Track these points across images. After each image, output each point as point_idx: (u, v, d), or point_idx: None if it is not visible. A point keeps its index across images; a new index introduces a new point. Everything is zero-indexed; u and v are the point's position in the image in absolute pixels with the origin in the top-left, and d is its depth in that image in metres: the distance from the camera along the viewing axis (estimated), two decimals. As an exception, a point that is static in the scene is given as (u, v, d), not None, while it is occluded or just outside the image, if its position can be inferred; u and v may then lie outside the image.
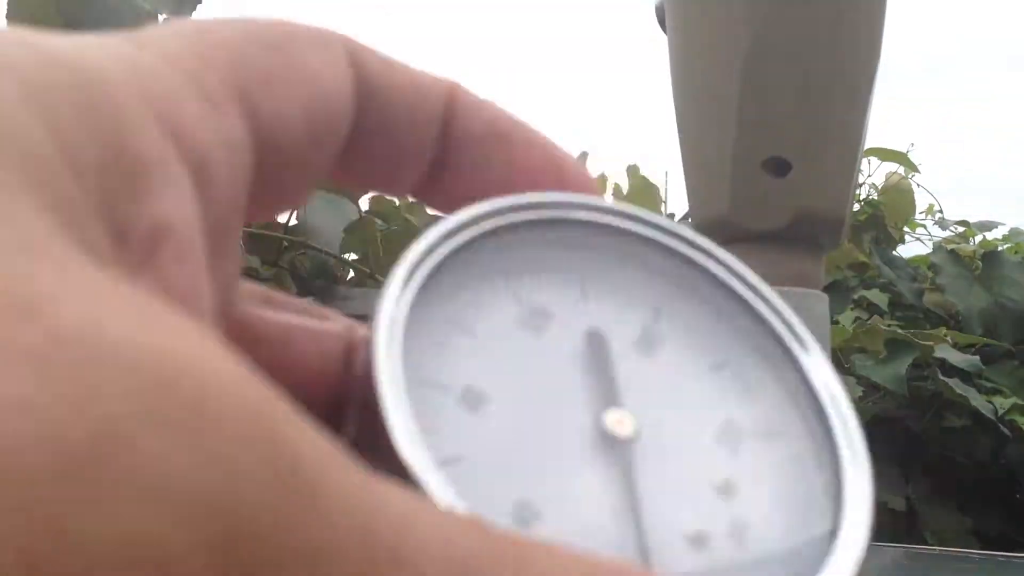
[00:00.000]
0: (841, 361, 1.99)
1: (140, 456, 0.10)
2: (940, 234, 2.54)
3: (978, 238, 2.54)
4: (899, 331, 2.01)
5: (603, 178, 2.18)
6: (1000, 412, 1.98)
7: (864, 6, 0.78)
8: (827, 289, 0.81)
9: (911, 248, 2.53)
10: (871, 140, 2.11)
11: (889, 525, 1.94)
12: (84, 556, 0.10)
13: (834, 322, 2.08)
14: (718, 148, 0.78)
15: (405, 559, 0.12)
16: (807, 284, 0.78)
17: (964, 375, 2.01)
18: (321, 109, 0.19)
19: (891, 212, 2.40)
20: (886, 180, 2.46)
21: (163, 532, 0.10)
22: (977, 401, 1.93)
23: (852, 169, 0.79)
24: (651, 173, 2.29)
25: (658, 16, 0.89)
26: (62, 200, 0.13)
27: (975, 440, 2.04)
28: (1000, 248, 2.41)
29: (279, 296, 0.21)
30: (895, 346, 1.99)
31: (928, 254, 2.40)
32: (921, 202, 2.56)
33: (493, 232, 0.19)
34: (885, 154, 2.43)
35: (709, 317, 0.20)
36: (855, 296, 2.34)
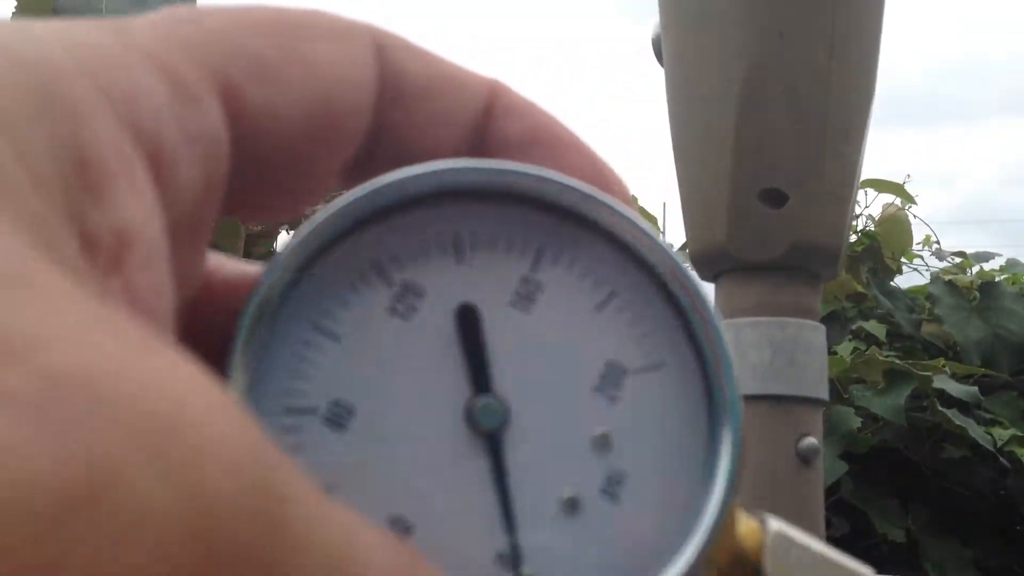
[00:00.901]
0: (840, 392, 1.99)
1: (130, 494, 0.10)
2: (937, 265, 2.54)
3: (975, 269, 2.54)
4: (897, 362, 2.01)
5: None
6: (999, 443, 1.98)
7: (858, 39, 0.78)
8: (825, 320, 0.81)
9: (908, 279, 2.53)
10: (867, 171, 2.12)
11: (889, 556, 1.93)
12: None
13: (832, 353, 2.08)
14: (715, 179, 0.79)
15: None
16: (804, 315, 0.79)
17: (963, 406, 2.01)
18: (329, 104, 0.18)
19: (888, 243, 2.41)
20: (883, 211, 2.46)
21: (150, 566, 0.10)
22: (976, 432, 1.93)
23: (848, 199, 0.80)
24: (649, 204, 2.29)
25: (655, 49, 0.90)
26: (31, 215, 0.12)
27: (975, 471, 2.04)
28: (997, 279, 2.41)
29: (230, 261, 0.20)
30: (893, 377, 1.99)
31: (925, 285, 2.40)
32: (918, 233, 2.57)
33: (369, 219, 0.19)
34: (882, 185, 2.44)
35: (594, 250, 0.20)
36: (853, 327, 2.34)
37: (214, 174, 0.17)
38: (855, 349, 2.20)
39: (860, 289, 2.36)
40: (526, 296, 0.19)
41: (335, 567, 0.12)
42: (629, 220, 0.19)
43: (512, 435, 0.18)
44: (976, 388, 2.04)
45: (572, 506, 0.18)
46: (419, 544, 0.17)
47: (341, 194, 0.18)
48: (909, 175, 2.50)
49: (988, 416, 2.07)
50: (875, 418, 2.01)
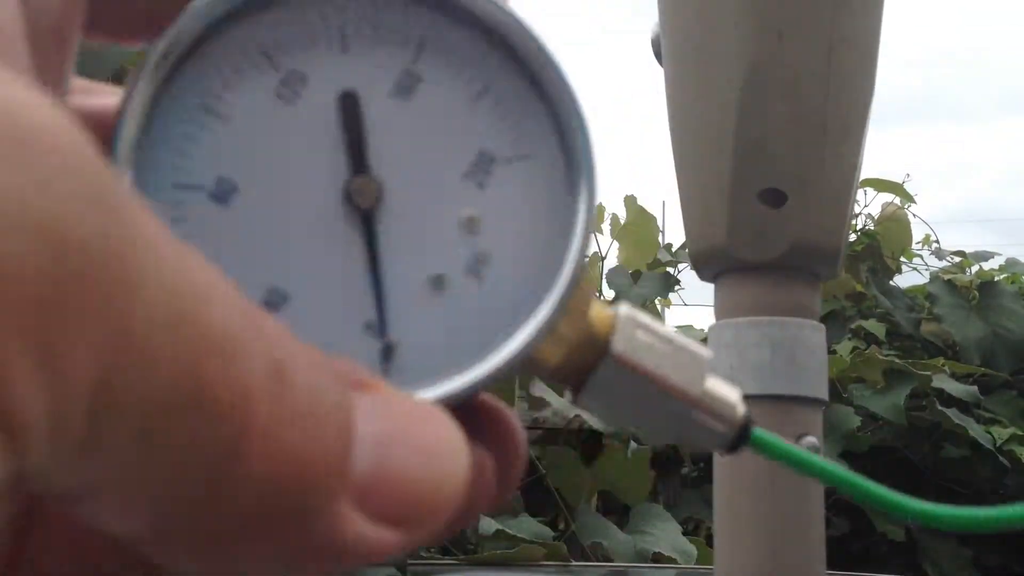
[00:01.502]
0: (839, 391, 1.99)
1: None
2: (937, 264, 2.54)
3: (974, 268, 2.54)
4: (897, 361, 2.01)
5: (600, 208, 2.19)
6: (998, 442, 1.98)
7: (857, 39, 0.78)
8: (824, 319, 0.81)
9: (908, 278, 2.53)
10: (867, 171, 2.13)
11: (889, 555, 1.93)
12: None
13: (831, 352, 2.08)
14: (714, 179, 0.79)
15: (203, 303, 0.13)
16: (804, 314, 0.79)
17: (962, 405, 2.01)
18: None
19: (887, 242, 2.41)
20: (882, 210, 2.46)
21: None
22: (975, 431, 1.93)
23: (847, 199, 0.80)
24: (648, 203, 2.30)
25: (654, 48, 0.90)
26: None
27: (974, 470, 2.04)
28: (997, 278, 2.41)
29: (97, 85, 0.21)
30: (893, 376, 1.99)
31: (925, 284, 2.40)
32: (917, 233, 2.57)
33: (257, 5, 0.19)
34: (881, 185, 2.44)
35: (474, 44, 0.20)
36: (852, 326, 2.34)
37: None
38: (855, 348, 2.20)
39: (860, 288, 2.36)
40: (406, 86, 0.20)
41: (174, 299, 0.12)
42: (507, 14, 0.20)
43: (386, 214, 0.19)
44: (975, 387, 2.04)
45: (438, 282, 0.20)
46: (293, 313, 0.19)
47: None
48: (909, 174, 2.51)
49: (987, 415, 2.08)
50: (875, 417, 2.01)
